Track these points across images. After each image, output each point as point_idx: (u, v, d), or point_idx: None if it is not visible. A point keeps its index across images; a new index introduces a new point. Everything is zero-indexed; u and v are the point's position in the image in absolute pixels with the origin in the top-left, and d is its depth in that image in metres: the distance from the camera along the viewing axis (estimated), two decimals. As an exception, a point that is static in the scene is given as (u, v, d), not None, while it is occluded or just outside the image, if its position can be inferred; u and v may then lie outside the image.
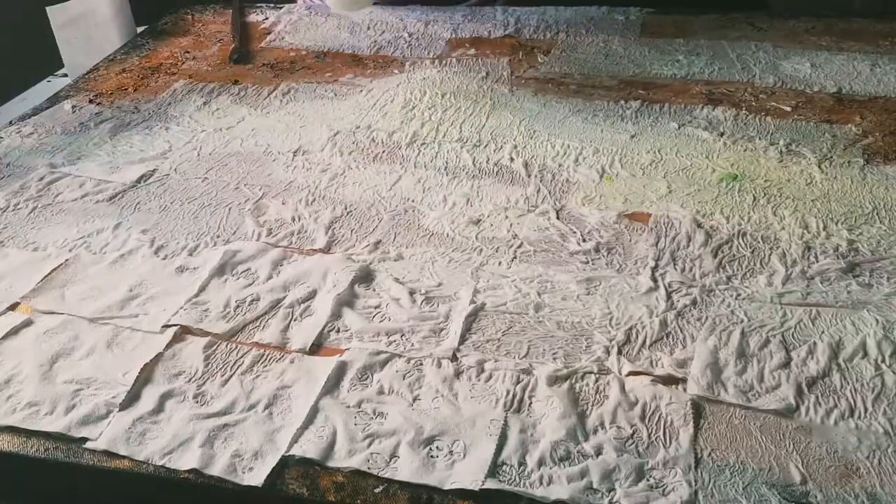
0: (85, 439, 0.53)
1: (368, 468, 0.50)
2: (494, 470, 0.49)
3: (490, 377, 0.56)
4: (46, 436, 0.54)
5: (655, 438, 0.51)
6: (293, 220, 0.73)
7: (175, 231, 0.73)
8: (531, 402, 0.54)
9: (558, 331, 0.60)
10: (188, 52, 1.09)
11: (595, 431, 0.52)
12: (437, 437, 0.52)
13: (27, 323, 0.63)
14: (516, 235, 0.69)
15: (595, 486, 0.48)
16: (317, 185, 0.78)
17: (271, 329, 0.61)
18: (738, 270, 0.64)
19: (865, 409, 0.52)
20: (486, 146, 0.83)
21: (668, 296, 0.62)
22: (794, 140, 0.81)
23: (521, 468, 0.49)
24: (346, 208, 0.75)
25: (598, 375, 0.56)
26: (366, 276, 0.66)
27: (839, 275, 0.63)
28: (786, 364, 0.55)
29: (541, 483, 0.48)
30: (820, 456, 0.49)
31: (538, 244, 0.68)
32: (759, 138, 0.81)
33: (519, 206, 0.73)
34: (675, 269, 0.65)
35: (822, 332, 0.58)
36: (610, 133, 0.84)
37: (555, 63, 0.99)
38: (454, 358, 0.58)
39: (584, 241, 0.68)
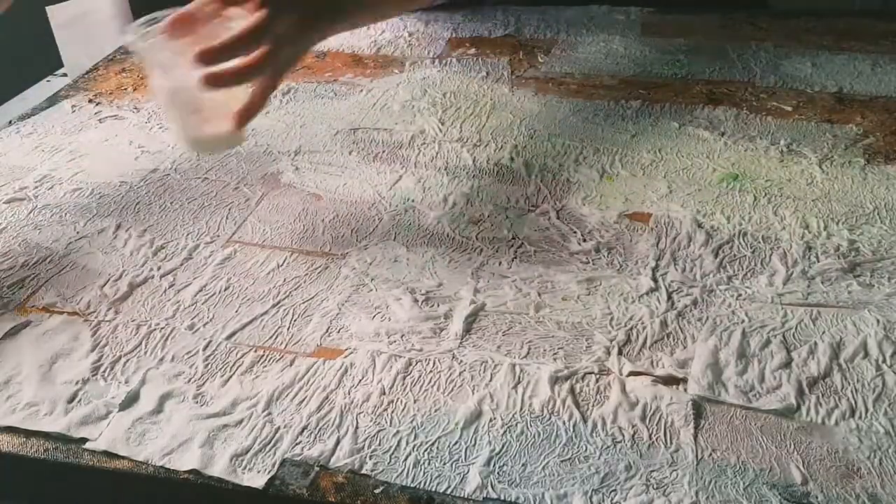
0: (84, 440, 0.53)
1: (369, 469, 0.50)
2: (496, 471, 0.49)
3: (491, 378, 0.56)
4: (46, 436, 0.53)
5: (656, 439, 0.51)
6: (293, 220, 0.73)
7: (175, 231, 0.73)
8: (532, 403, 0.54)
9: (559, 331, 0.59)
10: (188, 52, 1.09)
11: (596, 432, 0.51)
12: (437, 438, 0.52)
13: (27, 323, 0.63)
14: (516, 235, 0.69)
15: (596, 486, 0.48)
16: (317, 184, 0.78)
17: (271, 329, 0.61)
18: (738, 270, 0.64)
19: (866, 410, 0.52)
20: (486, 146, 0.83)
21: (669, 296, 0.62)
22: (794, 140, 0.81)
23: (523, 469, 0.49)
24: (346, 208, 0.74)
25: (598, 376, 0.56)
26: (367, 276, 0.66)
27: (840, 275, 0.63)
28: (787, 364, 0.55)
29: (542, 484, 0.48)
30: (821, 456, 0.49)
31: (538, 244, 0.68)
32: (760, 138, 0.81)
33: (519, 206, 0.73)
34: (676, 269, 0.65)
35: (823, 332, 0.58)
36: (610, 133, 0.84)
37: (555, 62, 0.99)
38: (454, 358, 0.58)
39: (584, 240, 0.68)
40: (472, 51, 1.03)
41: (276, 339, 0.60)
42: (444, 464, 0.50)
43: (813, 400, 0.53)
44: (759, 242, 0.67)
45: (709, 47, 1.00)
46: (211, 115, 0.65)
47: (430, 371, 0.57)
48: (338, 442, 0.52)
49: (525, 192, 0.75)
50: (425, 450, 0.51)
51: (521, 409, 0.53)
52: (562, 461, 0.50)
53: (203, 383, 0.57)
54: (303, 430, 0.52)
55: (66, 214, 0.76)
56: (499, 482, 0.48)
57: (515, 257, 0.67)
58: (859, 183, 0.74)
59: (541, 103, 0.90)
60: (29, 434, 0.54)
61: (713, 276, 0.64)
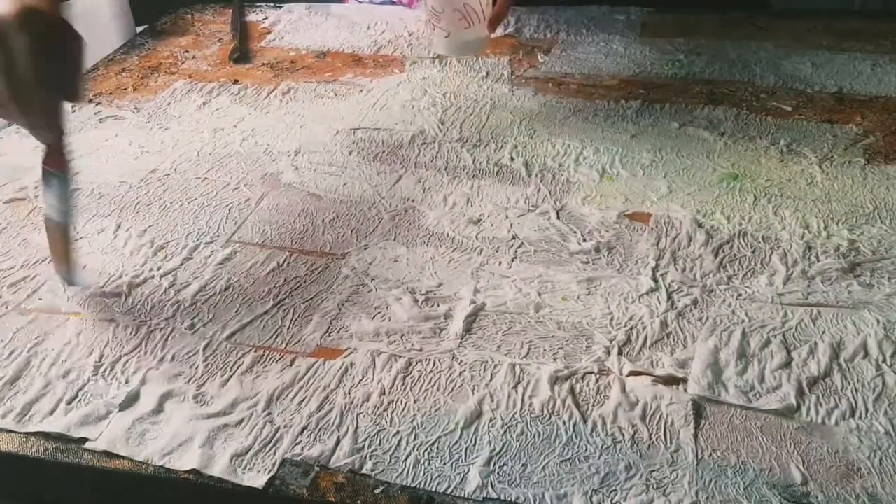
0: (84, 440, 0.53)
1: (369, 469, 0.50)
2: (496, 471, 0.49)
3: (491, 378, 0.56)
4: (46, 436, 0.53)
5: (656, 438, 0.51)
6: (293, 220, 0.73)
7: (175, 231, 0.73)
8: (532, 403, 0.54)
9: (559, 331, 0.59)
10: (188, 52, 1.09)
11: (596, 432, 0.51)
12: (437, 438, 0.52)
13: (27, 323, 0.63)
14: (516, 235, 0.69)
15: (596, 486, 0.48)
16: (317, 184, 0.78)
17: (271, 329, 0.61)
18: (738, 270, 0.64)
19: (866, 410, 0.52)
20: (486, 146, 0.83)
21: (669, 296, 0.62)
22: (794, 140, 0.81)
23: (523, 469, 0.49)
24: (346, 208, 0.74)
25: (598, 375, 0.56)
26: (367, 276, 0.66)
27: (840, 275, 0.63)
28: (787, 364, 0.55)
29: (542, 484, 0.48)
30: (821, 456, 0.49)
31: (538, 244, 0.68)
32: (760, 138, 0.81)
33: (519, 206, 0.73)
34: (676, 269, 0.65)
35: (823, 332, 0.58)
36: (610, 133, 0.84)
37: (555, 62, 0.99)
38: (454, 358, 0.58)
39: (584, 240, 0.68)
40: (472, 51, 1.03)
41: (276, 339, 0.60)
42: (445, 464, 0.50)
43: (813, 400, 0.53)
44: (759, 242, 0.67)
45: (709, 47, 1.00)
46: (473, 21, 0.86)
47: (430, 371, 0.57)
48: (338, 442, 0.52)
49: (525, 192, 0.75)
50: (425, 450, 0.51)
51: (521, 409, 0.53)
52: (562, 461, 0.50)
53: (203, 383, 0.57)
54: (303, 430, 0.52)
55: (66, 214, 0.76)
56: (499, 482, 0.49)
57: (515, 257, 0.67)
58: (859, 183, 0.74)
59: (541, 103, 0.90)
60: (29, 434, 0.54)
61: (713, 275, 0.64)
